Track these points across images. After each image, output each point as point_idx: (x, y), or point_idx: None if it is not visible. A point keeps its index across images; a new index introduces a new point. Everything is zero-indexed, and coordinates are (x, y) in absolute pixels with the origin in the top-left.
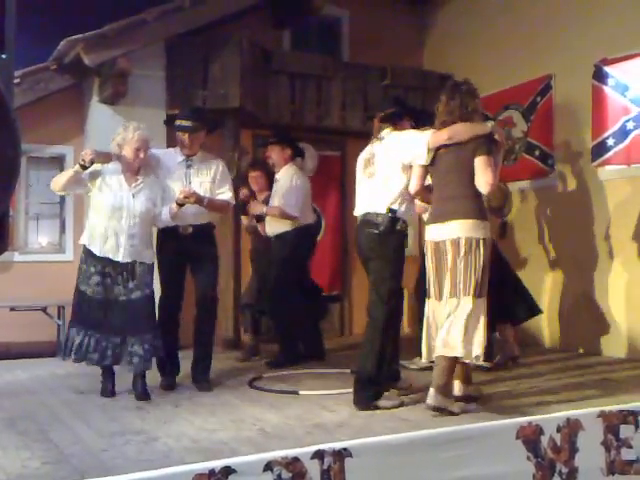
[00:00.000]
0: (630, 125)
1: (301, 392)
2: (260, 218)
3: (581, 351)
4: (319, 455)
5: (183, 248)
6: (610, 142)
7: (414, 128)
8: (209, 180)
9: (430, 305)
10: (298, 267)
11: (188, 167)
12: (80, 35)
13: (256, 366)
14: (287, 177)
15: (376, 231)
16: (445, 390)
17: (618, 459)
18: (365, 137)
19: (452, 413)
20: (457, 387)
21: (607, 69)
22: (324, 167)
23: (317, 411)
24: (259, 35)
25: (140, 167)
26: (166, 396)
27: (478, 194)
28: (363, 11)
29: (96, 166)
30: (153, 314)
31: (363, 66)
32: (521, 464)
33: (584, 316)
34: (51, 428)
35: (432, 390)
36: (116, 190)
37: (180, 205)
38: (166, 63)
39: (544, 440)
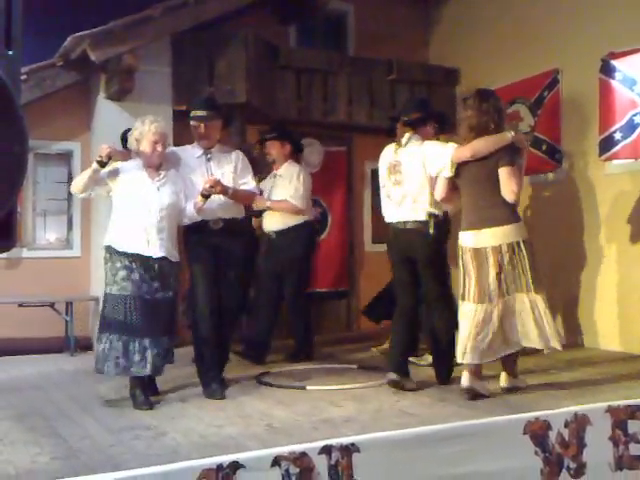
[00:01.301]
0: (638, 119)
1: (309, 387)
2: (259, 213)
3: (585, 345)
4: (327, 450)
5: (213, 243)
6: (617, 136)
7: (437, 133)
8: (231, 170)
9: (466, 307)
10: (311, 262)
11: (208, 160)
12: (86, 31)
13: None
14: (292, 173)
15: (428, 238)
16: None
17: (626, 454)
18: (371, 132)
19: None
20: (504, 379)
21: (614, 63)
22: (330, 162)
23: (325, 406)
24: (265, 30)
25: (160, 162)
26: (174, 392)
27: (506, 200)
28: (368, 5)
29: (115, 164)
30: (173, 318)
31: (369, 61)
32: (529, 459)
33: (589, 310)
34: (59, 423)
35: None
36: (140, 185)
37: (205, 197)
38: (172, 59)
39: (552, 435)
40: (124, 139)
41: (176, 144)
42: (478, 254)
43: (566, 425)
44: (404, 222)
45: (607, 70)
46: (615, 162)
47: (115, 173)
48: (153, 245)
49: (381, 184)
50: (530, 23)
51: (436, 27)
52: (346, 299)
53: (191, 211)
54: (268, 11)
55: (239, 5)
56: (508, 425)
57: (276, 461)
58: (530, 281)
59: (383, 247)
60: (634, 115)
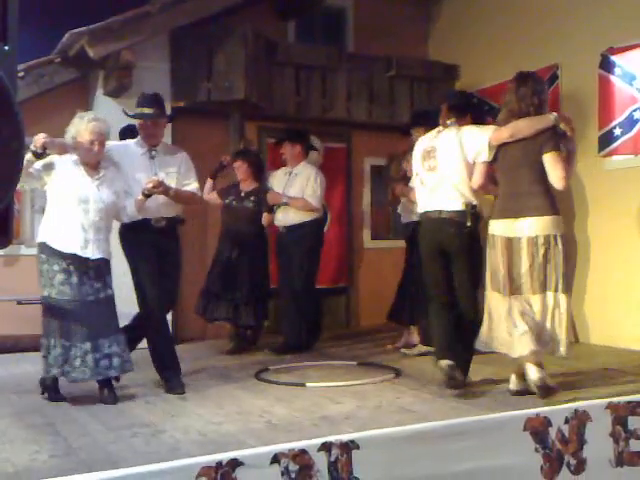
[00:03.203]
0: (637, 115)
1: (308, 384)
2: (270, 209)
3: (582, 340)
4: (326, 447)
5: (154, 241)
6: (617, 132)
7: (474, 124)
8: (175, 171)
9: (493, 298)
10: (319, 257)
11: (152, 158)
12: (84, 28)
13: (262, 358)
14: (310, 174)
15: (464, 230)
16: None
17: (626, 450)
18: (370, 129)
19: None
20: (515, 381)
21: (614, 58)
22: (329, 159)
23: (324, 403)
24: (263, 26)
25: (99, 161)
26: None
27: (549, 189)
28: (368, 1)
29: (51, 157)
30: (117, 315)
31: (368, 57)
32: (529, 456)
33: (588, 305)
34: (59, 421)
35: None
36: (78, 182)
37: (147, 196)
38: (170, 55)
39: (552, 432)
40: (122, 136)
41: (175, 141)
42: (511, 244)
43: (566, 421)
44: (438, 211)
45: (607, 65)
46: (615, 158)
47: (51, 167)
48: (91, 246)
49: (414, 171)
50: (529, 19)
51: (436, 23)
52: (345, 296)
53: (132, 209)
54: (266, 7)
55: (237, 1)
56: (508, 421)
57: (275, 458)
58: (560, 280)
59: (382, 244)
60: (634, 111)
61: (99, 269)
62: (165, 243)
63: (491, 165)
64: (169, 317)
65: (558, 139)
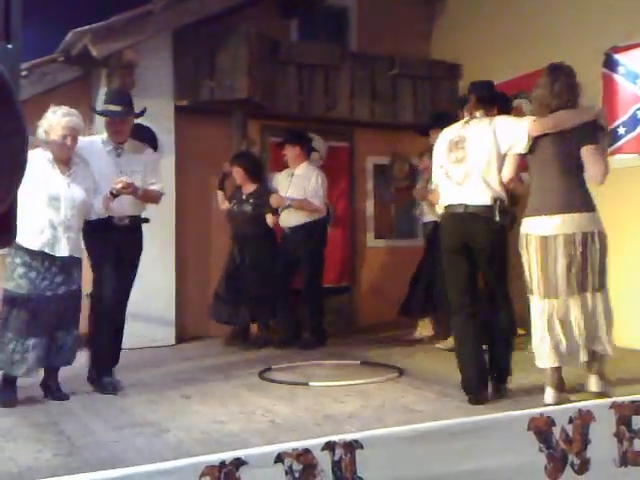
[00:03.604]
0: None
1: (311, 383)
2: (276, 211)
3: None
4: (330, 447)
5: (116, 239)
6: (621, 131)
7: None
8: (141, 169)
9: (537, 302)
10: (323, 256)
11: (118, 156)
12: (87, 27)
13: (266, 357)
14: (311, 175)
15: (493, 225)
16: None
17: (630, 450)
18: (373, 127)
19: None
20: (593, 382)
21: (617, 57)
22: (332, 157)
23: (328, 402)
24: (266, 25)
25: (70, 157)
26: (176, 388)
27: (584, 184)
28: (370, 0)
29: None
30: (79, 311)
31: (371, 56)
32: (533, 455)
33: None
34: (62, 420)
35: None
36: (49, 179)
37: (115, 196)
38: (173, 54)
39: (556, 431)
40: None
41: (179, 139)
42: (546, 243)
43: (570, 421)
44: (465, 205)
45: (610, 64)
46: (618, 157)
47: None
48: (60, 243)
49: (438, 164)
50: (532, 17)
51: (438, 22)
52: (348, 295)
53: (99, 207)
54: (269, 6)
55: (240, 0)
56: (512, 421)
57: (279, 458)
58: (597, 278)
59: (385, 243)
60: (638, 109)
61: (65, 265)
62: (127, 241)
63: (522, 158)
64: (172, 317)
65: (597, 132)
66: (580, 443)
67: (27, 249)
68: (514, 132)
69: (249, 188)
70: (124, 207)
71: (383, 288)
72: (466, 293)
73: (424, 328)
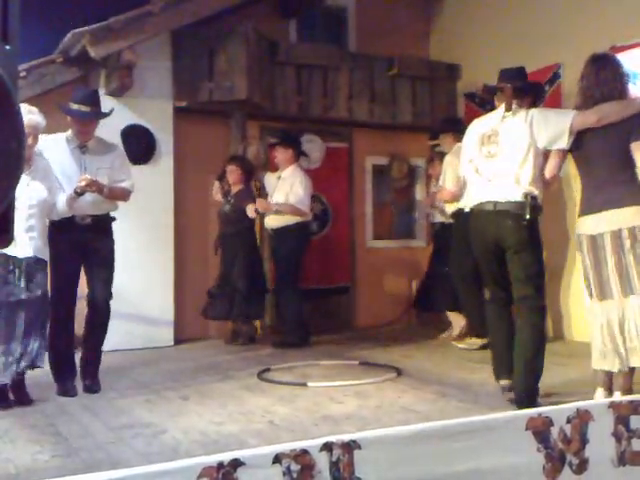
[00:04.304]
0: None
1: (309, 384)
2: (262, 214)
3: (578, 340)
4: (328, 447)
5: (80, 240)
6: None
7: (531, 107)
8: (107, 167)
9: (594, 306)
10: (301, 258)
11: (83, 153)
12: (86, 27)
13: (264, 357)
14: (295, 177)
15: (523, 223)
16: None
17: (629, 450)
18: (372, 128)
19: None
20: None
21: (617, 57)
22: (331, 158)
23: (326, 403)
24: (265, 26)
25: (30, 156)
26: (174, 389)
27: (633, 178)
28: (369, 0)
29: None
30: (46, 316)
31: (370, 56)
32: (531, 455)
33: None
34: (60, 421)
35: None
36: None
37: (79, 194)
38: (172, 55)
39: (554, 431)
40: (125, 136)
41: (177, 140)
42: (595, 242)
43: (568, 421)
44: (494, 202)
45: None
46: None
47: None
48: (20, 244)
49: (467, 158)
50: (531, 17)
51: (437, 22)
52: (346, 295)
53: (62, 207)
54: (268, 6)
55: (239, 0)
56: (510, 421)
57: (277, 458)
58: None
59: (384, 243)
60: None
61: (28, 268)
62: (93, 241)
63: (564, 154)
64: (170, 318)
65: None
66: (578, 443)
67: None
68: (555, 127)
69: (236, 189)
70: (86, 206)
71: (382, 288)
72: (501, 284)
73: (456, 324)
